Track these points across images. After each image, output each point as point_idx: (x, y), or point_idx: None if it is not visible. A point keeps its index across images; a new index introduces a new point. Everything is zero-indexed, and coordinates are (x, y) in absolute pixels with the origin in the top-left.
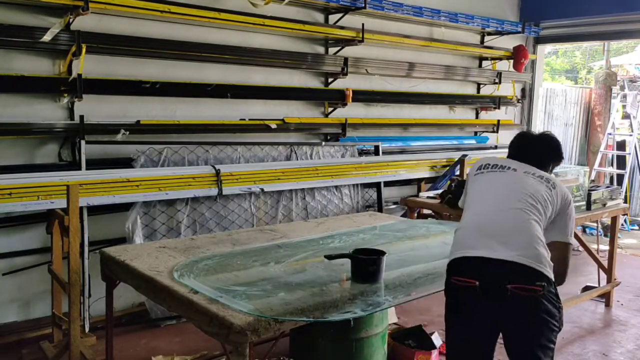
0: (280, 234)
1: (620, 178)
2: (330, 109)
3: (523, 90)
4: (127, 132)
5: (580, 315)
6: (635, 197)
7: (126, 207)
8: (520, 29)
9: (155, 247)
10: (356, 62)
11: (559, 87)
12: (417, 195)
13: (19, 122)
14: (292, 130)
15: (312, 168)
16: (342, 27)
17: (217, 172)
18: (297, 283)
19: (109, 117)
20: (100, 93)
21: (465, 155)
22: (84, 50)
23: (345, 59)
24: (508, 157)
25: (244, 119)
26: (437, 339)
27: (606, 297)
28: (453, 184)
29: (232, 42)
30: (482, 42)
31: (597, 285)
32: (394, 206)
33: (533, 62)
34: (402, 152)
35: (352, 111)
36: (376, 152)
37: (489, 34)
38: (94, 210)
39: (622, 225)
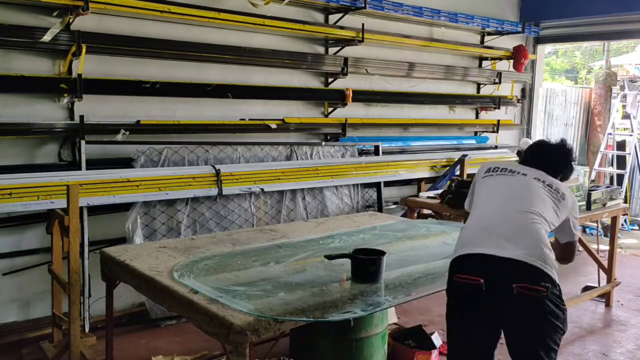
0: (280, 234)
1: (620, 178)
2: (330, 109)
3: (523, 90)
4: (127, 132)
5: (580, 315)
6: (635, 197)
7: (126, 207)
8: (520, 29)
9: (155, 247)
10: (356, 62)
11: (559, 87)
12: (417, 195)
13: (19, 122)
14: (292, 130)
15: (312, 168)
16: (342, 27)
17: (217, 172)
18: (297, 283)
19: (109, 117)
20: (100, 93)
21: (465, 155)
22: (84, 50)
23: (345, 59)
24: (521, 163)
25: (244, 119)
26: (437, 339)
27: (606, 297)
28: (453, 184)
29: (232, 42)
30: (482, 42)
31: (597, 285)
32: (394, 206)
33: (533, 62)
34: (402, 152)
35: (352, 111)
36: (376, 152)
37: (489, 34)
38: (94, 210)
39: (622, 225)
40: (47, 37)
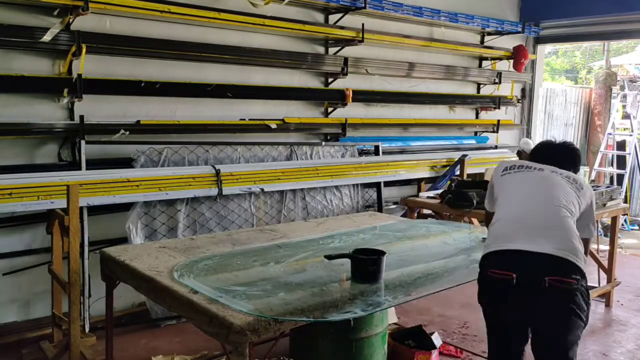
0: (280, 234)
1: (620, 178)
2: (330, 109)
3: (523, 90)
4: (127, 132)
5: None
6: (635, 197)
7: (126, 207)
8: (520, 29)
9: (155, 247)
10: (356, 62)
11: (559, 87)
12: (417, 195)
13: (19, 122)
14: (292, 130)
15: (312, 168)
16: (342, 27)
17: (217, 172)
18: (297, 283)
19: (109, 117)
20: (100, 93)
21: (465, 155)
22: (84, 50)
23: (345, 59)
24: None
25: (244, 119)
26: (437, 339)
27: (606, 297)
28: (453, 184)
29: (232, 42)
30: (482, 42)
31: (597, 285)
32: (394, 206)
33: (533, 62)
34: (402, 152)
35: (352, 111)
36: (376, 152)
37: (489, 34)
38: (94, 210)
39: (622, 225)
40: (47, 37)
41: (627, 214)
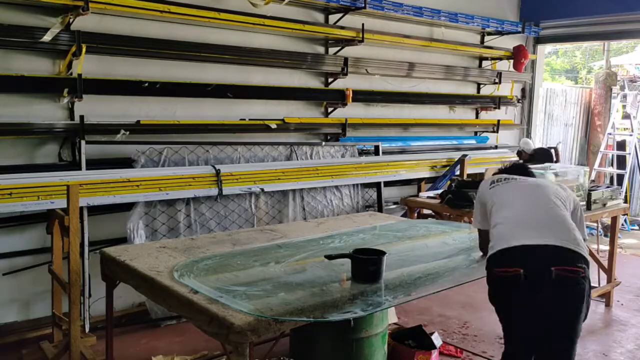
0: (280, 234)
1: (620, 178)
2: (330, 109)
3: (523, 90)
4: (127, 132)
5: None
6: (635, 197)
7: (126, 207)
8: (520, 29)
9: (155, 247)
10: (356, 62)
11: (559, 87)
12: (417, 195)
13: (19, 122)
14: (292, 130)
15: (312, 168)
16: (342, 27)
17: (217, 172)
18: (297, 283)
19: (109, 117)
20: (100, 93)
21: (465, 155)
22: (84, 50)
23: (345, 59)
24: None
25: (244, 119)
26: (437, 339)
27: (606, 297)
28: (453, 184)
29: (232, 42)
30: (482, 42)
31: (597, 285)
32: (394, 206)
33: (533, 62)
34: (402, 152)
35: (352, 111)
36: (376, 152)
37: (489, 34)
38: (94, 210)
39: (622, 225)
40: (47, 37)
41: (627, 214)
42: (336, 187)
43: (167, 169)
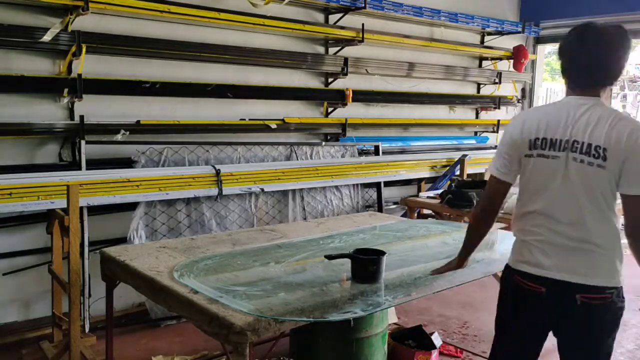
0: (280, 234)
1: None
2: (330, 109)
3: (523, 90)
4: (127, 132)
5: None
6: None
7: (126, 207)
8: (520, 29)
9: (156, 247)
10: (356, 62)
11: (559, 87)
12: (417, 195)
13: (19, 122)
14: (292, 130)
15: (312, 168)
16: (342, 27)
17: (217, 172)
18: (297, 283)
19: (109, 117)
20: (100, 93)
21: (465, 155)
22: (84, 50)
23: (345, 59)
24: (566, 76)
25: (244, 119)
26: (437, 339)
27: None
28: (453, 184)
29: (232, 42)
30: (482, 42)
31: None
32: (394, 206)
33: (533, 62)
34: (402, 152)
35: (352, 111)
36: (376, 152)
37: (489, 34)
38: (94, 210)
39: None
40: (47, 37)
41: None
42: (336, 187)
43: (167, 169)
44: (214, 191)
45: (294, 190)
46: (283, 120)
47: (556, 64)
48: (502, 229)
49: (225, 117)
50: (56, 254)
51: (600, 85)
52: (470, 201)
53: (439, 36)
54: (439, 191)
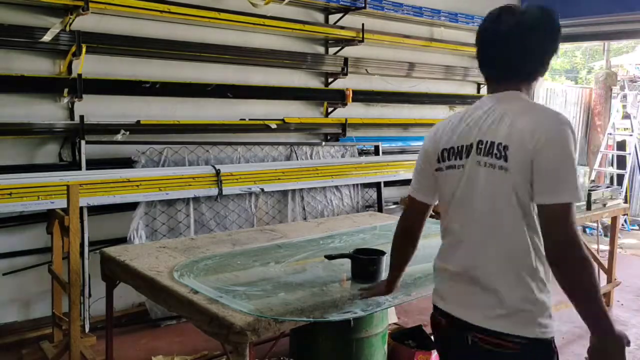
0: (280, 234)
1: (620, 178)
2: (330, 109)
3: None
4: (127, 132)
5: None
6: (635, 197)
7: (126, 207)
8: None
9: (156, 247)
10: (356, 62)
11: (559, 87)
12: None
13: (19, 122)
14: (292, 130)
15: (312, 168)
16: (342, 27)
17: (217, 172)
18: (297, 283)
19: (109, 117)
20: (100, 93)
21: None
22: (84, 50)
23: (345, 59)
24: (482, 70)
25: (244, 119)
26: None
27: (606, 297)
28: None
29: (232, 42)
30: None
31: None
32: (394, 206)
33: None
34: (402, 152)
35: (352, 111)
36: (376, 152)
37: None
38: (94, 210)
39: (622, 225)
40: (47, 37)
41: (627, 214)
42: (336, 187)
43: (167, 169)
44: (214, 191)
45: (293, 190)
46: (283, 120)
47: (556, 63)
48: None
49: (225, 117)
50: (56, 254)
51: (519, 79)
52: None
53: (439, 36)
54: None
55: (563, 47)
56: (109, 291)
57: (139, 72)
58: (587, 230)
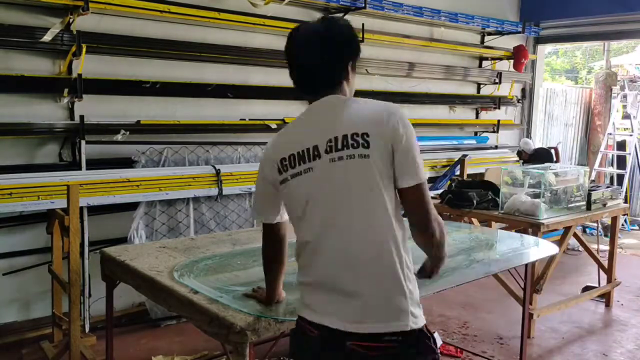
0: None
1: (620, 178)
2: None
3: (523, 90)
4: (127, 132)
5: (580, 315)
6: (635, 197)
7: (126, 207)
8: (520, 29)
9: (156, 247)
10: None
11: (559, 87)
12: None
13: (19, 122)
14: None
15: None
16: None
17: (218, 172)
18: None
19: (109, 117)
20: (100, 93)
21: (465, 155)
22: (84, 50)
23: None
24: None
25: (244, 119)
26: (437, 339)
27: (606, 297)
28: (453, 184)
29: (232, 42)
30: (482, 42)
31: (597, 285)
32: None
33: (533, 62)
34: None
35: None
36: None
37: (489, 34)
38: (94, 210)
39: (622, 225)
40: (47, 37)
41: (627, 214)
42: None
43: (167, 169)
44: (214, 191)
45: None
46: (283, 120)
47: (556, 63)
48: (502, 229)
49: (225, 117)
50: (56, 254)
51: (333, 86)
52: (470, 201)
53: (438, 36)
54: (439, 191)
55: (563, 47)
56: (109, 291)
57: (139, 72)
58: (587, 230)
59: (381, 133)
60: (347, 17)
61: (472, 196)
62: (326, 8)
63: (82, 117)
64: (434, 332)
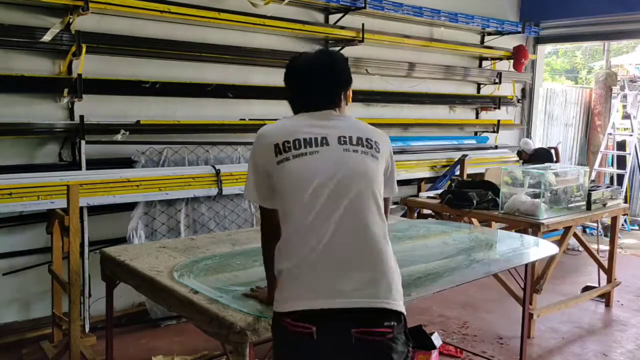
0: None
1: (620, 178)
2: None
3: (523, 90)
4: (127, 132)
5: (580, 315)
6: (635, 197)
7: (126, 207)
8: (520, 29)
9: (155, 247)
10: (356, 62)
11: (559, 87)
12: (417, 195)
13: (19, 122)
14: None
15: None
16: (342, 27)
17: (217, 172)
18: None
19: (109, 117)
20: (100, 93)
21: (465, 155)
22: (84, 50)
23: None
24: (298, 98)
25: (244, 119)
26: (437, 339)
27: (606, 297)
28: (453, 184)
29: (232, 42)
30: (482, 42)
31: (597, 285)
32: (394, 206)
33: (533, 62)
34: (402, 152)
35: (352, 111)
36: None
37: (489, 34)
38: (94, 210)
39: (622, 225)
40: (47, 37)
41: (627, 214)
42: None
43: (167, 169)
44: (213, 191)
45: None
46: None
47: (556, 63)
48: (502, 229)
49: (225, 117)
50: (56, 254)
51: (334, 104)
52: (470, 201)
53: (438, 36)
54: (439, 191)
55: (563, 47)
56: (109, 291)
57: (139, 72)
58: (587, 230)
59: (384, 147)
60: (347, 17)
61: (472, 196)
62: (326, 8)
63: (82, 117)
64: (434, 332)
